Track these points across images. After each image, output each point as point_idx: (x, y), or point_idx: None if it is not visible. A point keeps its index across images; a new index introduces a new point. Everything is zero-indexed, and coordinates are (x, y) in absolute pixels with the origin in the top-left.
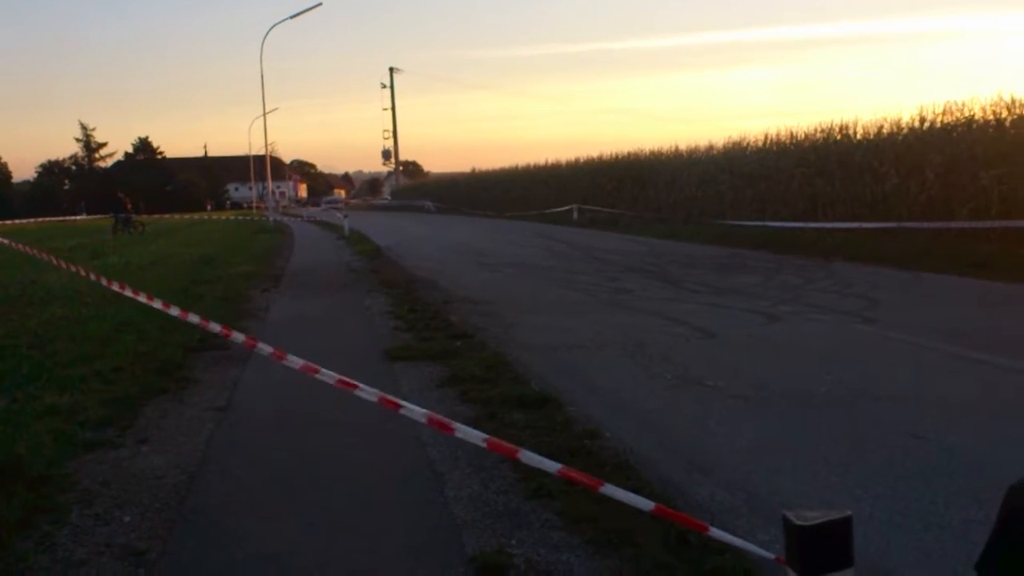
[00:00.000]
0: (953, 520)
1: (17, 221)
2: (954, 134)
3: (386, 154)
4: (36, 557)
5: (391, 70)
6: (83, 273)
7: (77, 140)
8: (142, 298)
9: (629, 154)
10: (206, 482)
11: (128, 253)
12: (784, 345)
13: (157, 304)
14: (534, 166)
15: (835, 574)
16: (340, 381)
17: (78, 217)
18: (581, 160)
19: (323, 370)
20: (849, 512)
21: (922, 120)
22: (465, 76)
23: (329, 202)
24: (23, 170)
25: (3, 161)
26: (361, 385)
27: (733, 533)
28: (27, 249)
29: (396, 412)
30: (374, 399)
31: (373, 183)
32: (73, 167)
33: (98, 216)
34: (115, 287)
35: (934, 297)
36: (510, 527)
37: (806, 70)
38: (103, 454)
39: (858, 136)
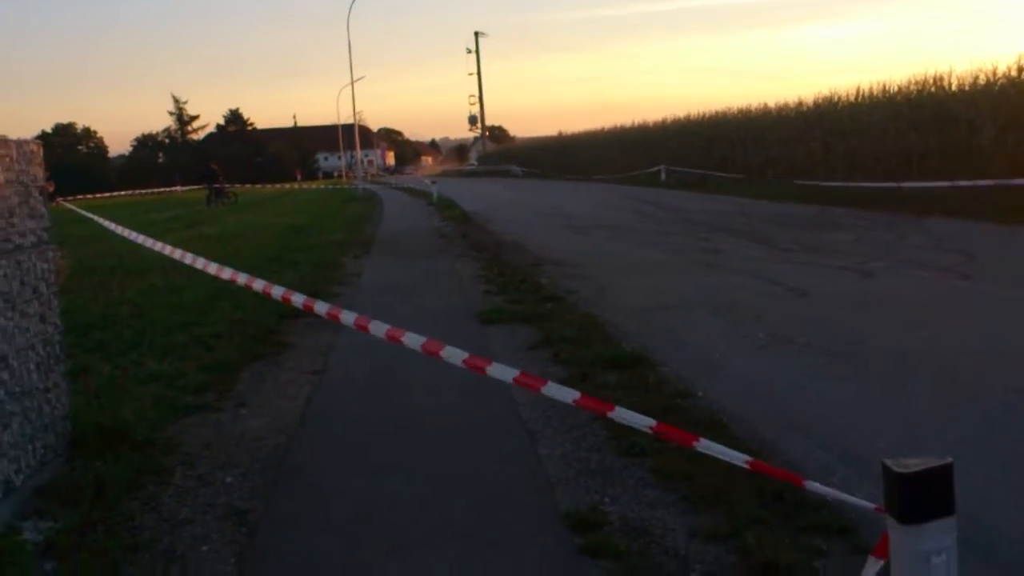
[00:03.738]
0: None
1: (115, 194)
2: None
3: (472, 120)
4: (143, 516)
5: (476, 35)
6: (167, 252)
7: (170, 113)
8: (226, 274)
9: (717, 113)
10: (304, 443)
11: (222, 223)
12: (878, 302)
13: (242, 279)
14: (621, 128)
15: (936, 522)
16: (424, 347)
17: (175, 188)
18: (668, 121)
19: (407, 335)
20: (950, 459)
21: (1020, 69)
22: (550, 38)
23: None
24: (119, 144)
25: (99, 136)
26: (443, 352)
27: None
28: (126, 232)
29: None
30: (459, 362)
31: (460, 149)
32: (167, 140)
33: (191, 187)
34: (198, 264)
35: None
36: (603, 484)
37: (896, 23)
38: (203, 418)
39: (953, 87)
